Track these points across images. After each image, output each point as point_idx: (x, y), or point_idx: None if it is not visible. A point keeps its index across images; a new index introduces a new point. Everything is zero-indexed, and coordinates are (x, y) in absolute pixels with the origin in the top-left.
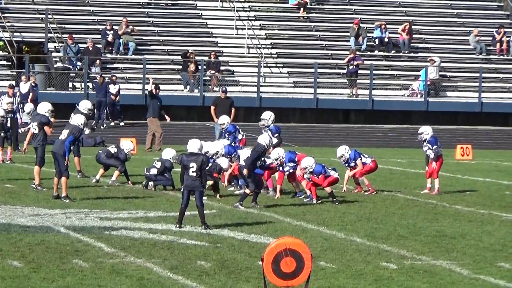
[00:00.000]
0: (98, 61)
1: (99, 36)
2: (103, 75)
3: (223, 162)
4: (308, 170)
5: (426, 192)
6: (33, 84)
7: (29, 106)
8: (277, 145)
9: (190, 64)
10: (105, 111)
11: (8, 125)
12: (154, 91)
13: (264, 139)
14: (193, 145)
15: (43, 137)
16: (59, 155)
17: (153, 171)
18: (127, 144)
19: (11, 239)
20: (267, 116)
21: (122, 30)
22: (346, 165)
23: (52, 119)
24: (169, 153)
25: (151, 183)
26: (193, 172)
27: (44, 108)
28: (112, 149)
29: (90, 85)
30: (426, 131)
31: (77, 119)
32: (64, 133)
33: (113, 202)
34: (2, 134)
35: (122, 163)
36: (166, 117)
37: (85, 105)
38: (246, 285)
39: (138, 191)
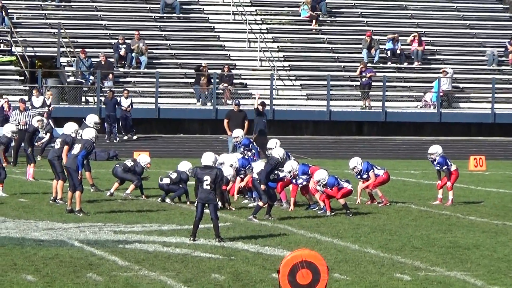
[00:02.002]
0: (110, 75)
1: (112, 50)
2: (112, 90)
3: (227, 170)
4: (321, 182)
5: (437, 203)
6: (47, 99)
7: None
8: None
9: (202, 77)
10: (116, 125)
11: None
12: (260, 108)
13: (278, 152)
14: (207, 158)
15: (61, 154)
16: (72, 169)
17: (166, 180)
18: (144, 158)
19: (25, 253)
20: (273, 145)
21: (135, 46)
22: (359, 177)
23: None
24: (185, 166)
25: (168, 200)
26: (207, 185)
27: (71, 128)
28: (129, 162)
29: (102, 99)
30: (437, 151)
31: (88, 133)
32: (77, 148)
33: (127, 216)
34: (29, 150)
35: (139, 178)
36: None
37: (92, 119)
38: None
39: (152, 205)
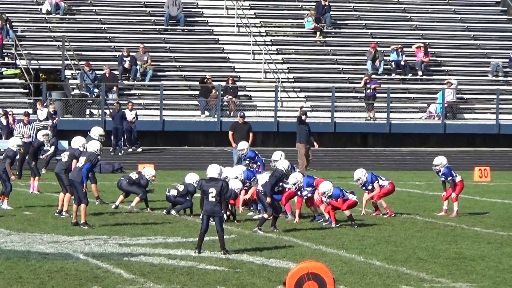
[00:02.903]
0: (115, 88)
1: (116, 63)
2: (119, 102)
3: (235, 183)
4: (326, 194)
5: (442, 214)
6: (51, 112)
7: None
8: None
9: (214, 90)
10: (122, 138)
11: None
12: (302, 117)
13: (283, 164)
14: (212, 170)
15: (68, 167)
16: (77, 182)
17: (173, 192)
18: (149, 170)
19: (30, 266)
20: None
21: (140, 61)
22: (363, 188)
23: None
24: (192, 178)
25: (173, 212)
26: (212, 197)
27: (78, 142)
28: (133, 175)
29: (107, 111)
30: (442, 163)
31: (92, 146)
32: (81, 161)
33: (132, 228)
34: (32, 164)
35: (144, 191)
36: (315, 143)
37: (96, 132)
38: None
39: (157, 217)
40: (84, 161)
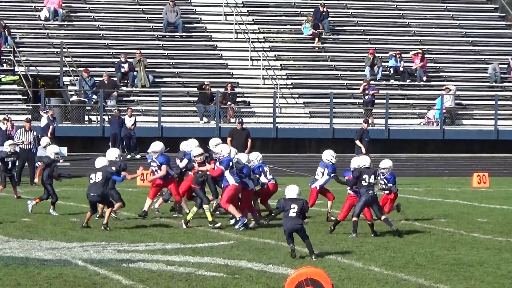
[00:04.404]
0: (115, 93)
1: (114, 69)
2: (119, 109)
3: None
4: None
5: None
6: (51, 118)
7: (45, 140)
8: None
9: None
10: (120, 144)
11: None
12: (364, 125)
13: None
14: (292, 191)
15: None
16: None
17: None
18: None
19: (29, 273)
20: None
21: (137, 67)
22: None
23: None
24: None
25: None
26: (293, 213)
27: (114, 153)
28: None
29: (106, 118)
30: (390, 166)
31: (111, 154)
32: (98, 176)
33: (130, 235)
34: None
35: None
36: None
37: (113, 153)
38: None
39: (156, 223)
40: (101, 177)
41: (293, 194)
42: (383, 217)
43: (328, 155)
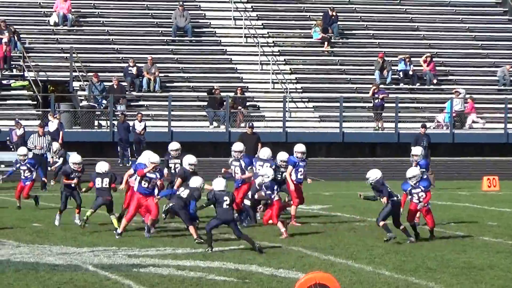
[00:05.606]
0: (123, 99)
1: (123, 74)
2: (124, 113)
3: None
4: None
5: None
6: (60, 123)
7: (55, 145)
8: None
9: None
10: (128, 148)
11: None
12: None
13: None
14: (220, 183)
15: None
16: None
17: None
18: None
19: (39, 278)
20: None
21: (148, 73)
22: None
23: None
24: (197, 182)
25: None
26: (227, 205)
27: (198, 181)
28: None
29: (115, 123)
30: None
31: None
32: (184, 193)
33: (141, 239)
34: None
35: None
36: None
37: (189, 160)
38: None
39: (166, 228)
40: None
41: (221, 186)
42: (401, 227)
43: None
